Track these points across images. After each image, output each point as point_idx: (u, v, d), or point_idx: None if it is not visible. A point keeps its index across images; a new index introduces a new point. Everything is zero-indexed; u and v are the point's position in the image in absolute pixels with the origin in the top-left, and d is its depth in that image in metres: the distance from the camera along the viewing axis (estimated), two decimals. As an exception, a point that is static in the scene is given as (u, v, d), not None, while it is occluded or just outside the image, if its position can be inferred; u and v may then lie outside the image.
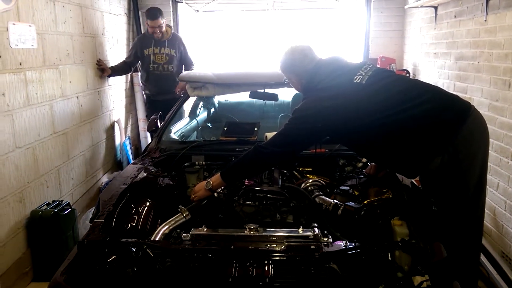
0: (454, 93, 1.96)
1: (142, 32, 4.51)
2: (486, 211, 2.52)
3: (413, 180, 2.06)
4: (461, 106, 1.81)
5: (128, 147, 4.53)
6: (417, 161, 1.78)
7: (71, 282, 1.45)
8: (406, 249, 1.52)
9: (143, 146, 4.50)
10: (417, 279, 1.42)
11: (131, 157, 4.51)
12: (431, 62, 4.03)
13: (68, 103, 3.23)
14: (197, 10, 5.53)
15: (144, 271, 1.48)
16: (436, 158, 1.72)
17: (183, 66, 4.28)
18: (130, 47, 4.35)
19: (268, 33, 5.55)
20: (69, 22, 3.25)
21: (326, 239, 1.57)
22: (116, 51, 4.31)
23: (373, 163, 2.18)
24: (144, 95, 4.58)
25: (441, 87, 2.00)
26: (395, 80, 1.91)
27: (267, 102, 3.36)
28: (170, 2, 5.03)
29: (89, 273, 1.48)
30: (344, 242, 1.55)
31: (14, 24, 2.53)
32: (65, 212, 2.72)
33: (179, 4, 5.12)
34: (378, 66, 4.69)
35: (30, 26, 2.70)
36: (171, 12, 5.08)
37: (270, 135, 2.29)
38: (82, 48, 3.49)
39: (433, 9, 3.90)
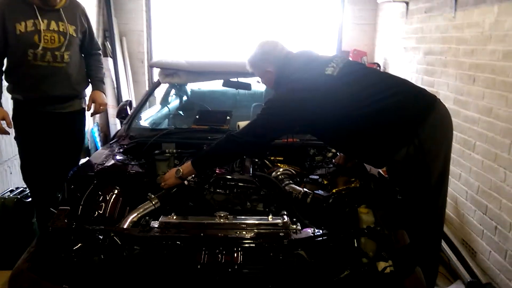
0: (422, 86, 2.02)
1: None
2: (448, 200, 2.63)
3: (380, 170, 2.11)
4: (427, 99, 1.86)
5: (96, 134, 4.43)
6: (384, 152, 1.83)
7: (35, 269, 1.42)
8: (371, 236, 1.56)
9: (112, 133, 4.40)
10: (381, 265, 1.47)
11: (99, 144, 4.41)
12: (401, 56, 4.12)
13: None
14: (170, -5, 5.41)
15: (112, 259, 1.46)
16: (402, 149, 1.77)
17: (84, 55, 2.64)
18: None
19: (241, 21, 5.51)
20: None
21: (294, 226, 1.60)
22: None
23: (342, 154, 2.23)
24: (12, 101, 2.52)
25: (410, 81, 2.05)
26: (366, 73, 1.95)
27: (240, 91, 3.35)
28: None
29: (54, 261, 1.45)
30: (312, 229, 1.58)
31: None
32: (29, 199, 2.64)
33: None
34: (350, 58, 4.77)
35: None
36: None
37: (242, 124, 2.29)
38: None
39: (404, 4, 3.98)
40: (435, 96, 1.89)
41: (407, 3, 3.94)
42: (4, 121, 2.32)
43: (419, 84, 3.25)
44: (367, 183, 1.91)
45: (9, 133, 2.40)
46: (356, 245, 1.55)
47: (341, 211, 1.75)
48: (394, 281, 1.42)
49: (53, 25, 2.36)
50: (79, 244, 1.50)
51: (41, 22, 2.30)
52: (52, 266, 1.43)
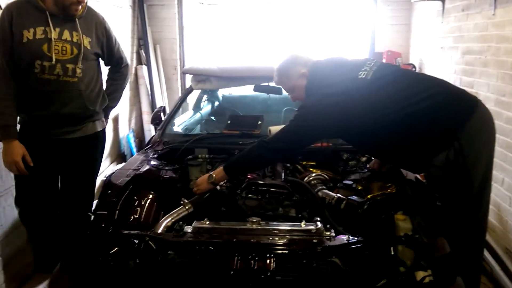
0: (461, 87, 1.94)
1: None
2: (490, 206, 2.50)
3: (417, 175, 2.04)
4: (468, 100, 1.78)
5: (132, 140, 4.55)
6: (421, 157, 1.76)
7: (73, 273, 1.46)
8: (409, 244, 1.51)
9: (147, 139, 4.51)
10: (420, 274, 1.41)
11: (134, 149, 4.53)
12: (438, 56, 3.99)
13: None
14: (202, 3, 5.51)
15: (146, 263, 1.48)
16: (441, 153, 1.70)
17: (110, 68, 2.42)
18: None
19: (272, 27, 5.52)
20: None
21: (328, 233, 1.57)
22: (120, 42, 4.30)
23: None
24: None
25: (448, 82, 1.97)
26: (401, 75, 1.89)
27: (271, 95, 3.34)
28: (175, -5, 5.01)
29: (91, 265, 1.49)
30: (347, 236, 1.54)
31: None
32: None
33: (184, -4, 5.10)
34: (384, 60, 4.68)
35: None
36: (176, 5, 5.06)
37: (273, 128, 2.28)
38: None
39: (440, 2, 3.85)
40: (476, 97, 1.81)
41: (443, 2, 3.81)
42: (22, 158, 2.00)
43: (457, 85, 3.13)
44: (404, 189, 1.84)
45: (28, 174, 2.03)
46: (393, 253, 1.50)
47: (376, 218, 1.70)
48: (433, 292, 1.36)
49: (65, 35, 2.06)
50: (115, 248, 1.53)
51: (52, 30, 2.01)
52: (89, 270, 1.47)
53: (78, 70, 2.09)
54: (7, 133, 1.98)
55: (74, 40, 2.08)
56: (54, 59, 2.01)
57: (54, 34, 2.02)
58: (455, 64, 3.55)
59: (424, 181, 1.91)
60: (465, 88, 2.13)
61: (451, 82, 3.42)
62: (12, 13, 1.96)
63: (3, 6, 2.08)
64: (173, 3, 5.02)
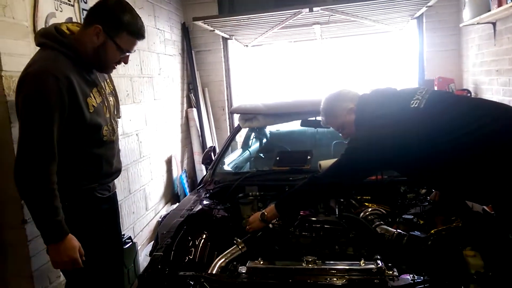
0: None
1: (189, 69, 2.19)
2: None
3: (484, 207, 1.89)
4: None
5: (185, 180, 4.66)
6: (488, 186, 1.64)
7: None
8: (482, 282, 1.38)
9: (199, 179, 4.61)
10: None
11: (187, 189, 4.62)
12: (494, 79, 3.79)
13: (129, 140, 3.40)
14: (246, 45, 5.71)
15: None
16: (510, 181, 1.57)
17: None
18: (46, 114, 1.51)
19: (317, 63, 5.57)
20: (128, 65, 3.47)
21: (391, 272, 1.47)
22: (171, 89, 4.53)
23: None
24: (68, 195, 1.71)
25: (509, 105, 1.85)
26: (456, 101, 1.80)
27: (319, 129, 3.31)
28: (221, 40, 5.24)
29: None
30: (412, 275, 1.43)
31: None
32: (127, 246, 2.79)
33: (228, 40, 5.32)
34: (435, 87, 4.52)
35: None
36: (222, 49, 5.29)
37: (324, 163, 2.24)
38: (141, 88, 3.70)
39: (491, 25, 3.71)
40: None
41: (493, 24, 3.67)
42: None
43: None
44: (471, 222, 1.71)
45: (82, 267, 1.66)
46: (465, 293, 1.38)
47: (443, 254, 1.57)
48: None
49: (107, 88, 1.83)
50: (172, 290, 1.53)
51: (103, 87, 1.77)
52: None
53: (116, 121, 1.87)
54: (64, 229, 1.57)
55: (110, 90, 1.86)
56: (110, 119, 1.78)
57: (99, 91, 1.74)
58: (514, 86, 3.35)
59: (493, 212, 1.76)
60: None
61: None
62: (73, 82, 1.57)
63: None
64: (219, 48, 5.26)
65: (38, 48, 1.67)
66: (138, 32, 1.66)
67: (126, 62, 1.75)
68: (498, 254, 1.49)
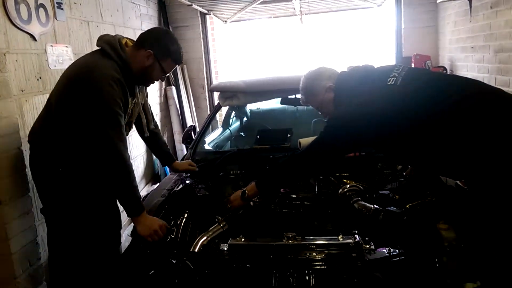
0: (496, 87, 1.85)
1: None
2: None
3: (457, 181, 1.96)
4: (508, 99, 1.70)
5: (165, 160, 4.63)
6: (462, 162, 1.69)
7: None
8: (454, 254, 1.44)
9: (179, 158, 4.59)
10: (468, 286, 1.35)
11: (168, 169, 4.60)
12: (469, 56, 3.86)
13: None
14: (225, 21, 5.61)
15: (185, 283, 1.49)
16: (482, 156, 1.63)
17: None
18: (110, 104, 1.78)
19: (297, 40, 5.53)
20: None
21: (368, 246, 1.52)
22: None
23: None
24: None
25: (482, 81, 1.89)
26: (432, 78, 1.83)
27: (299, 107, 3.33)
28: (199, 15, 5.12)
29: (131, 286, 1.51)
30: (388, 249, 1.49)
31: (52, 46, 2.65)
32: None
33: (207, 16, 5.21)
34: (413, 64, 4.57)
35: (66, 47, 2.82)
36: (200, 25, 5.18)
37: (304, 141, 2.27)
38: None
39: (467, 1, 3.75)
40: (515, 96, 1.72)
41: (469, 0, 3.70)
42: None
43: (493, 85, 3.02)
44: (445, 196, 1.77)
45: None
46: (438, 265, 1.44)
47: (417, 228, 1.64)
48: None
49: (141, 97, 2.09)
50: (154, 269, 1.55)
51: (138, 96, 2.04)
52: (130, 292, 1.49)
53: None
54: (142, 206, 1.81)
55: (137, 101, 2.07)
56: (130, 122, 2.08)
57: (140, 100, 2.05)
58: (488, 63, 3.43)
59: (465, 187, 1.83)
60: (500, 87, 2.03)
61: (486, 82, 3.31)
62: (123, 83, 1.82)
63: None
64: (197, 23, 5.14)
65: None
66: (179, 60, 1.99)
67: (163, 80, 2.18)
68: (470, 227, 1.56)
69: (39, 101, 2.52)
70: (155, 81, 2.05)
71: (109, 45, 1.86)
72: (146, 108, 2.15)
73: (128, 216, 1.82)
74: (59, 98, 1.84)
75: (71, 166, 1.89)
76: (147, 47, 1.88)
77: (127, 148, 1.86)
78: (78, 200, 1.91)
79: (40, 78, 2.54)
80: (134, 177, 1.83)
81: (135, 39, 2.00)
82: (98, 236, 1.96)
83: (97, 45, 1.91)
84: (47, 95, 2.20)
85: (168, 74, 2.03)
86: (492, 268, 1.40)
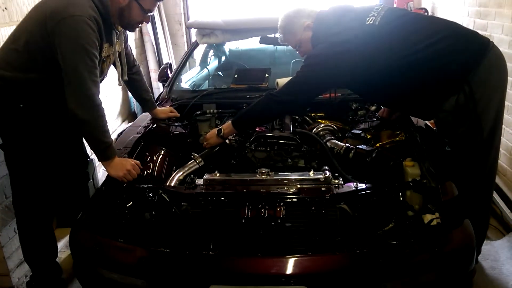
0: (473, 30, 1.87)
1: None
2: (502, 151, 2.50)
3: (427, 122, 2.03)
4: (480, 42, 1.73)
5: (141, 99, 4.55)
6: (431, 102, 1.74)
7: (92, 226, 1.53)
8: (417, 189, 1.53)
9: (156, 96, 4.52)
10: (427, 217, 1.45)
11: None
12: (451, -2, 3.81)
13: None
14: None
15: (161, 215, 1.54)
16: (451, 98, 1.68)
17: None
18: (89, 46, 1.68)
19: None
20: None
21: (336, 181, 1.60)
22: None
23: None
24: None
25: (460, 24, 1.90)
26: (410, 19, 1.83)
27: (278, 47, 3.27)
28: None
29: (108, 218, 1.56)
30: (355, 183, 1.57)
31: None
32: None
33: None
34: (395, 4, 4.49)
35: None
36: (177, -44, 4.87)
37: (281, 81, 2.26)
38: None
39: None
40: (488, 40, 1.75)
41: None
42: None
43: (471, 28, 3.02)
44: (413, 136, 1.84)
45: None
46: (401, 198, 1.53)
47: (385, 165, 1.71)
48: (440, 233, 1.40)
49: (114, 47, 1.94)
50: (131, 202, 1.59)
51: (110, 45, 1.90)
52: (107, 223, 1.54)
53: None
54: (114, 151, 1.76)
55: (113, 50, 1.95)
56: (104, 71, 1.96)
57: (110, 49, 1.91)
58: (469, 6, 3.40)
59: (434, 128, 1.90)
60: (478, 31, 2.04)
61: (465, 25, 3.30)
62: (99, 24, 1.72)
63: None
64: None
65: None
66: None
67: (147, 22, 1.92)
68: (434, 164, 1.64)
69: (6, 34, 2.38)
70: (139, 24, 1.88)
71: None
72: (122, 56, 2.01)
73: (99, 160, 1.77)
74: (31, 34, 1.70)
75: (34, 104, 1.79)
76: None
77: (99, 92, 1.76)
78: (41, 139, 1.83)
79: (6, 9, 2.38)
80: (106, 121, 1.75)
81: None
82: (64, 176, 1.95)
83: None
84: (14, 27, 2.09)
85: (151, 13, 1.86)
86: (450, 201, 1.50)
